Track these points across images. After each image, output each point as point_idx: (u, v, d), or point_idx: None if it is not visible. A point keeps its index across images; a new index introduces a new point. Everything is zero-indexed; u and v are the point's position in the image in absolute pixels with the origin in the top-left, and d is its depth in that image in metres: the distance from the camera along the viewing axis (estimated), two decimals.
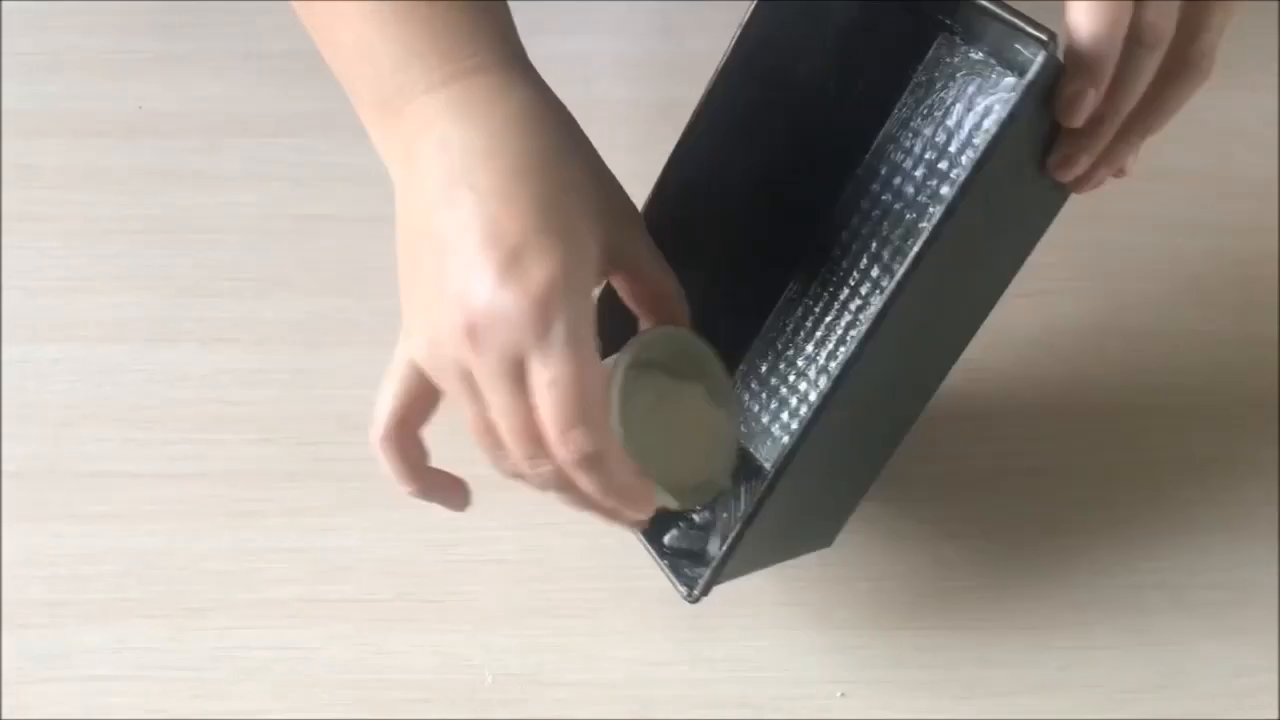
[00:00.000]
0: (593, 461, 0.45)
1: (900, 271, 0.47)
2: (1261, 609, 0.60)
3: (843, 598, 0.60)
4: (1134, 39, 0.44)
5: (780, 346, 0.60)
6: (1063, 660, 0.58)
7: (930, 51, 0.57)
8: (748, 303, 0.61)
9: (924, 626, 0.59)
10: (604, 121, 0.81)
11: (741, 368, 0.61)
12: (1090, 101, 0.45)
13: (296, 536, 0.62)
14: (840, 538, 0.62)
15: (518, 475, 0.49)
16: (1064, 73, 0.45)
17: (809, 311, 0.60)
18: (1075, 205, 0.65)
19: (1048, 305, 0.69)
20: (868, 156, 0.59)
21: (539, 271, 0.44)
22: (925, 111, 0.57)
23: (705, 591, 0.53)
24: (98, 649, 0.59)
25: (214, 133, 0.79)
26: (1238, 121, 0.78)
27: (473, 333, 0.45)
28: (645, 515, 0.50)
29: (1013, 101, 0.45)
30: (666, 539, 0.56)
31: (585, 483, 0.47)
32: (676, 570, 0.54)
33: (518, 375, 0.45)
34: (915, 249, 0.47)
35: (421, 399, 0.50)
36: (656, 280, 0.52)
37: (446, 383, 0.48)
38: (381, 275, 0.71)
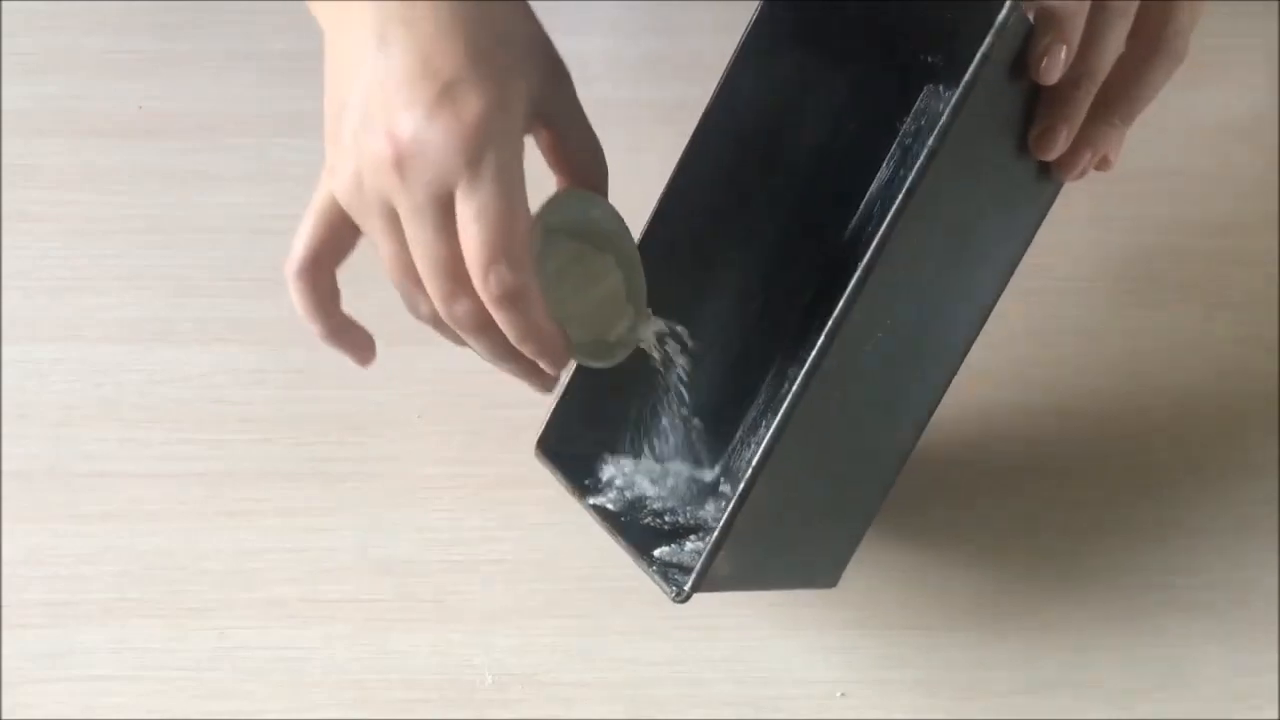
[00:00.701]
0: (513, 299, 0.46)
1: (878, 236, 0.47)
2: (1261, 609, 0.60)
3: (843, 598, 0.60)
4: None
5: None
6: (1063, 660, 0.58)
7: (918, 102, 0.57)
8: (745, 363, 0.61)
9: (924, 626, 0.59)
10: (603, 121, 0.81)
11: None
12: (1062, 57, 0.46)
13: (296, 536, 0.62)
14: None
15: (433, 321, 0.49)
16: (1034, 30, 0.46)
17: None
18: (1076, 206, 0.65)
19: (1048, 305, 0.69)
20: (859, 212, 0.60)
21: (472, 105, 0.44)
22: (913, 161, 0.57)
23: (693, 589, 0.51)
24: (98, 649, 0.59)
25: (214, 133, 0.79)
26: (1238, 121, 0.78)
27: (400, 164, 0.45)
28: (558, 367, 0.50)
29: (986, 45, 0.45)
30: (657, 552, 0.55)
31: (504, 323, 0.47)
32: (665, 575, 0.53)
33: (443, 209, 0.45)
34: (892, 210, 0.46)
35: (340, 237, 0.50)
36: (580, 139, 0.52)
37: (367, 220, 0.48)
38: (381, 275, 0.72)
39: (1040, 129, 0.49)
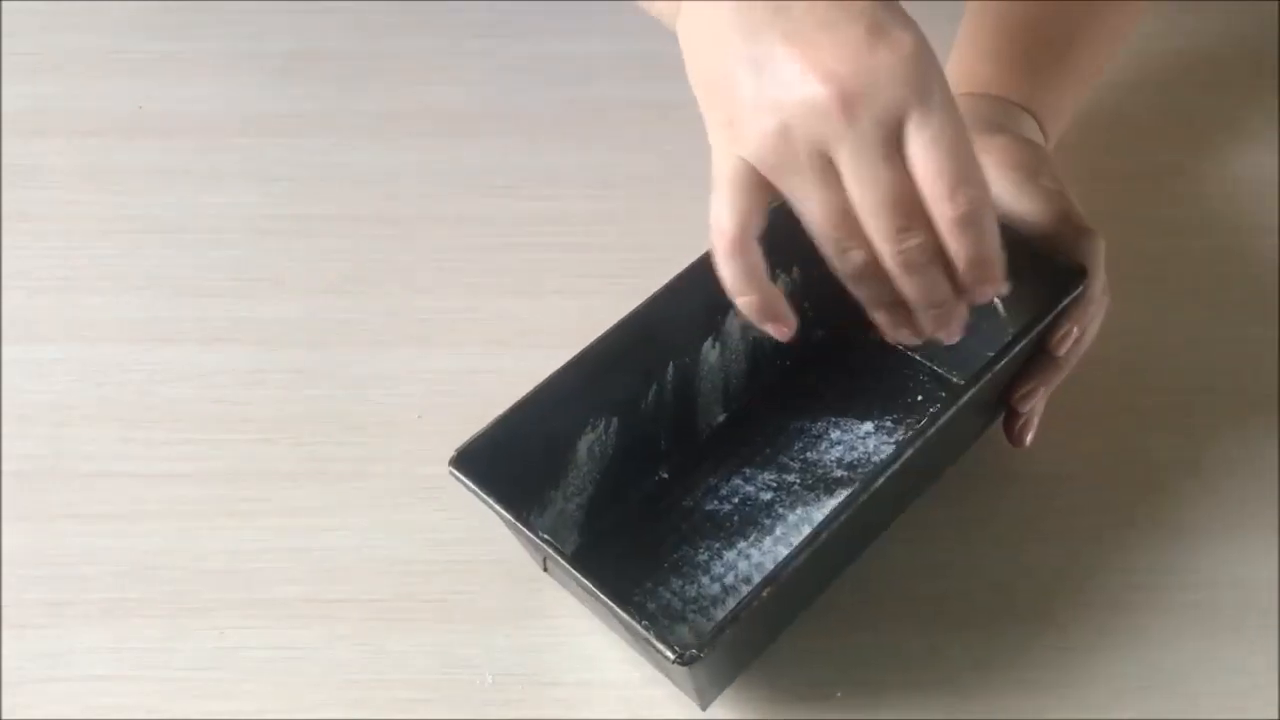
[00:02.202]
0: (979, 217, 0.46)
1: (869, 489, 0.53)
2: (1261, 609, 0.60)
3: (842, 598, 0.60)
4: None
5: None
6: (1063, 660, 0.58)
7: None
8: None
9: (924, 626, 0.59)
10: (604, 122, 0.82)
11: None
12: (1074, 337, 0.58)
13: (296, 536, 0.62)
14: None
15: (865, 270, 0.49)
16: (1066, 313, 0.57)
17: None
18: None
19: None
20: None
21: (904, 37, 0.45)
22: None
23: (698, 655, 0.49)
24: (98, 649, 0.59)
25: (214, 133, 0.79)
26: (1238, 122, 0.78)
27: (847, 102, 0.45)
28: (997, 291, 0.50)
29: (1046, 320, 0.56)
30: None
31: (966, 245, 0.47)
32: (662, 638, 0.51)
33: (893, 141, 0.45)
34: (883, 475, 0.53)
35: (761, 202, 0.49)
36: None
37: (794, 175, 0.47)
38: (382, 275, 0.72)
39: (1028, 389, 0.59)
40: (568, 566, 0.52)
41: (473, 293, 0.71)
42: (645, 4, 0.53)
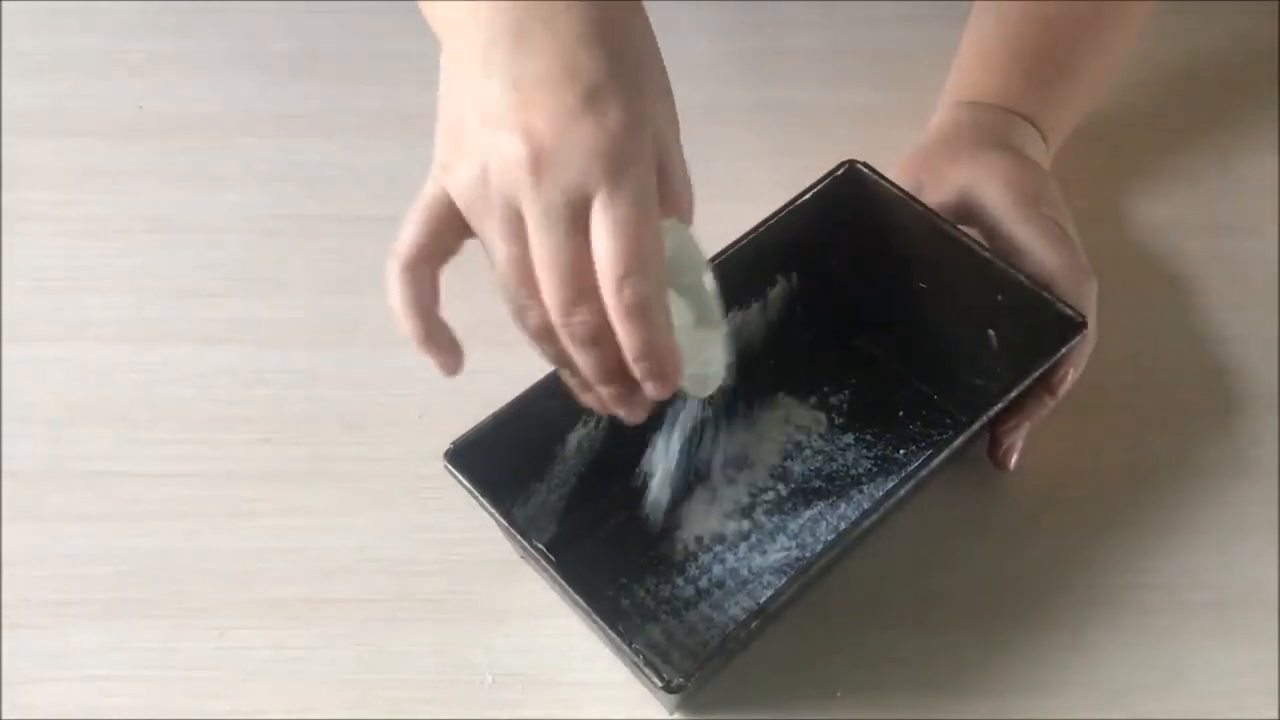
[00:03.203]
0: (644, 311, 0.44)
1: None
2: (1261, 609, 0.60)
3: (843, 598, 0.60)
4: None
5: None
6: (1062, 660, 0.58)
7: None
8: None
9: (924, 626, 0.59)
10: None
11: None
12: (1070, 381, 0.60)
13: (296, 536, 0.62)
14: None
15: (540, 333, 0.48)
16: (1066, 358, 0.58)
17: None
18: (1076, 206, 0.65)
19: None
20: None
21: (616, 113, 0.44)
22: None
23: (684, 685, 0.51)
24: (98, 649, 0.59)
25: (214, 133, 0.79)
26: (1238, 121, 0.78)
27: (538, 164, 0.44)
28: (667, 390, 0.47)
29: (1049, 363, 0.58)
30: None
31: (629, 335, 0.45)
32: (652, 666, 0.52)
33: (576, 215, 0.44)
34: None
35: (447, 236, 0.49)
36: (678, 167, 0.50)
37: (486, 220, 0.47)
38: (382, 275, 0.72)
39: (1015, 422, 0.61)
40: (548, 568, 0.53)
41: (472, 293, 0.71)
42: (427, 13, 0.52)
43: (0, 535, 0.62)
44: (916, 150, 0.67)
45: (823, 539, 0.61)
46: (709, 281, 0.52)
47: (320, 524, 0.63)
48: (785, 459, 0.64)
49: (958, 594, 0.60)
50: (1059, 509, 0.63)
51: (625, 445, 0.60)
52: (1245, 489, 0.63)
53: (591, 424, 0.59)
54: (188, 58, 0.83)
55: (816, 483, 0.63)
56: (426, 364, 0.68)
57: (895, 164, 0.65)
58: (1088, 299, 0.60)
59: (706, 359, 0.52)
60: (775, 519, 0.62)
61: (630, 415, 0.50)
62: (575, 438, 0.59)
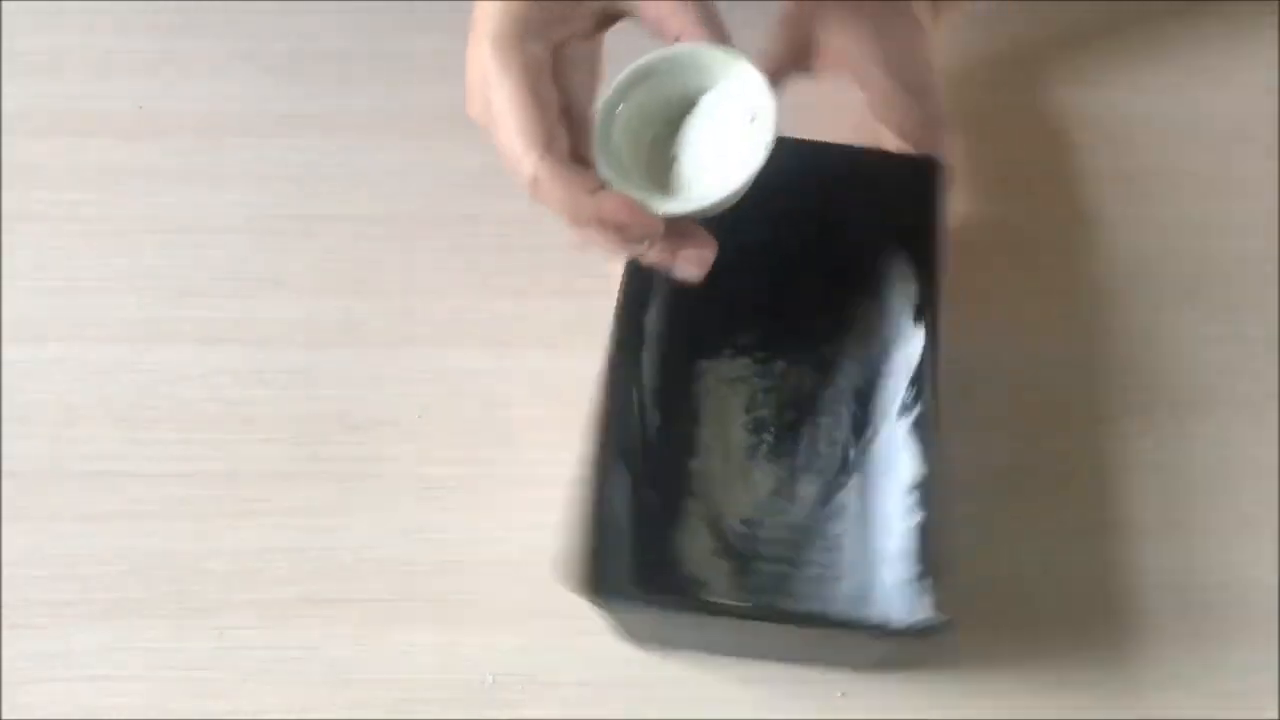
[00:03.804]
0: (535, 186, 0.51)
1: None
2: (1261, 609, 0.60)
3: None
4: None
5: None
6: (1062, 660, 0.58)
7: None
8: None
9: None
10: None
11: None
12: None
13: (296, 536, 0.62)
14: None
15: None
16: None
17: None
18: (1077, 208, 0.65)
19: (1048, 305, 0.69)
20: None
21: (483, 34, 0.52)
22: None
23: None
24: (98, 649, 0.59)
25: (214, 133, 0.79)
26: (1238, 121, 0.78)
27: (467, 91, 0.53)
28: (633, 229, 0.52)
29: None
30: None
31: (547, 207, 0.52)
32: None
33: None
34: None
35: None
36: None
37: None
38: (382, 275, 0.72)
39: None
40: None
41: (473, 293, 0.71)
42: None
43: (0, 535, 0.62)
44: None
45: (833, 455, 0.63)
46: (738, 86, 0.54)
47: (320, 524, 0.63)
48: (748, 411, 0.65)
49: (958, 594, 0.60)
50: (1058, 508, 0.63)
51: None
52: (1245, 489, 0.63)
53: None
54: (188, 58, 0.82)
55: (789, 415, 0.64)
56: (426, 364, 0.68)
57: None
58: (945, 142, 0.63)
59: (699, 181, 0.54)
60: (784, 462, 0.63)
61: (683, 272, 0.54)
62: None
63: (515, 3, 0.52)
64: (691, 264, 0.54)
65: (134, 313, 0.71)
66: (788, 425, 0.64)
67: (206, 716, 0.57)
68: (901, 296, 0.63)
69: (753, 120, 0.53)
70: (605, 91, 0.54)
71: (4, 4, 0.85)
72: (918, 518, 0.54)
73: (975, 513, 0.63)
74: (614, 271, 0.58)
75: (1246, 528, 0.62)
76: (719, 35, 0.54)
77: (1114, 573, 0.61)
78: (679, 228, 0.53)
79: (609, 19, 0.56)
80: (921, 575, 0.53)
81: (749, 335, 0.67)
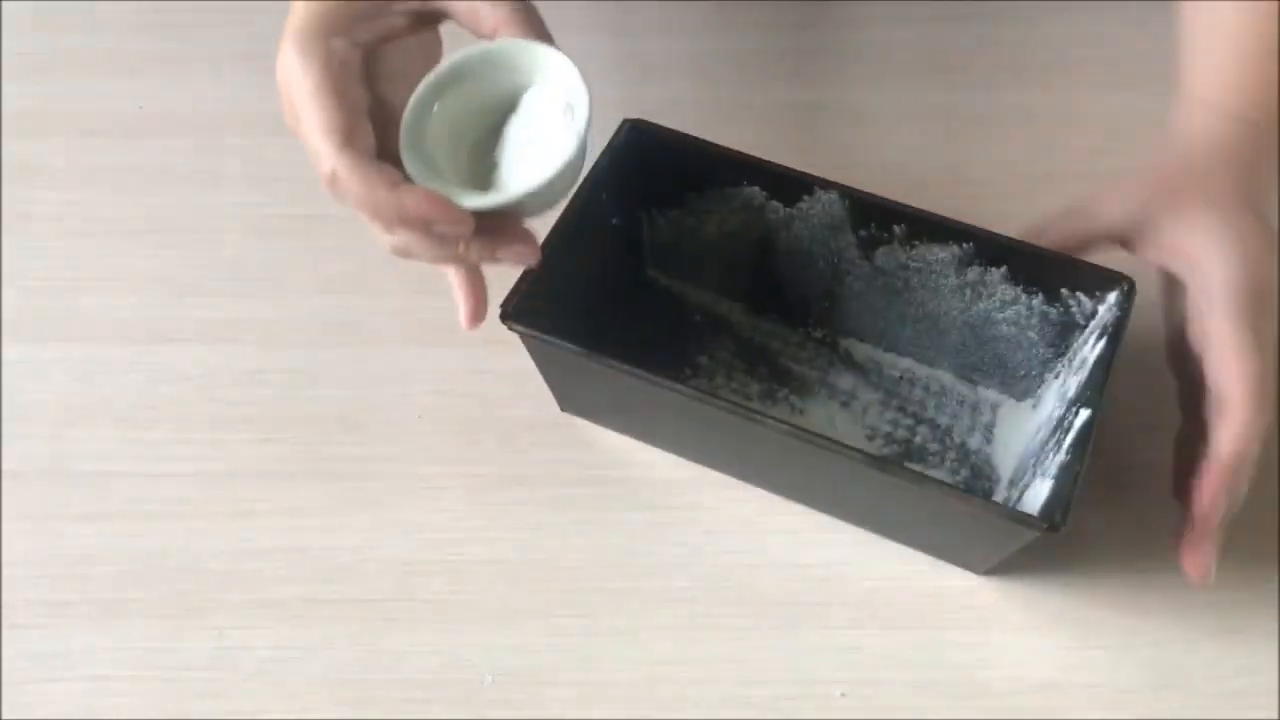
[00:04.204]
0: (332, 182, 0.50)
1: None
2: (1261, 609, 0.60)
3: (843, 598, 0.60)
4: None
5: None
6: (1063, 660, 0.58)
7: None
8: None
9: (924, 626, 0.59)
10: (604, 122, 0.81)
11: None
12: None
13: (296, 536, 0.62)
14: (840, 537, 0.62)
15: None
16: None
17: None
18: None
19: None
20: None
21: (287, 32, 0.52)
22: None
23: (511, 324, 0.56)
24: (98, 649, 0.59)
25: (214, 133, 0.79)
26: None
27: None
28: (439, 224, 0.50)
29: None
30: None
31: (350, 203, 0.51)
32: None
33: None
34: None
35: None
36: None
37: None
38: (382, 275, 0.72)
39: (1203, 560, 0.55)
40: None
41: None
42: None
43: (0, 535, 0.62)
44: (1156, 165, 0.58)
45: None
46: (530, 100, 0.54)
47: (320, 524, 0.63)
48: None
49: (958, 594, 0.60)
50: None
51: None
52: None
53: None
54: (188, 58, 0.83)
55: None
56: (426, 364, 0.68)
57: (1128, 177, 0.59)
58: (1259, 424, 0.53)
59: (513, 176, 0.53)
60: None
61: (513, 259, 0.53)
62: None
63: (318, 1, 0.52)
64: (513, 262, 0.53)
65: (134, 313, 0.71)
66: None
67: (206, 716, 0.57)
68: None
69: (568, 112, 0.52)
70: (416, 91, 0.53)
71: (4, 4, 0.85)
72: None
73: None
74: (453, 282, 0.56)
75: (1247, 527, 0.62)
76: (536, 32, 0.53)
77: (1113, 572, 0.61)
78: (494, 225, 0.52)
79: (424, 18, 0.54)
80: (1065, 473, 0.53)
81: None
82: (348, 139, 0.50)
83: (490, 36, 0.53)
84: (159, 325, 0.70)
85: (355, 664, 0.59)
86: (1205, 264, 0.54)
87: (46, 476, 0.65)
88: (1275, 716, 0.57)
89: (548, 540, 0.62)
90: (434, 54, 0.55)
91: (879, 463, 0.54)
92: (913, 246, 0.61)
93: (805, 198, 0.62)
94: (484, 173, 0.54)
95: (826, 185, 0.61)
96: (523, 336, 0.58)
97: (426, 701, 0.58)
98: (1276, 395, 0.53)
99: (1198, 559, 0.55)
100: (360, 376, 0.68)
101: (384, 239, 0.53)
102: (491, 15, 0.53)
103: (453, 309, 0.56)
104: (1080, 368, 0.59)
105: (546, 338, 0.56)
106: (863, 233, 0.62)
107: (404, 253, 0.53)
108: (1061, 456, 0.55)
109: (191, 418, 0.67)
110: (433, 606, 0.60)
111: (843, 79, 0.80)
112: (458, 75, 0.53)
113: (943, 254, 0.61)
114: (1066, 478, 0.53)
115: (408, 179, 0.51)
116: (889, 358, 0.66)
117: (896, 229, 0.61)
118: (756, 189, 0.62)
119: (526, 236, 0.53)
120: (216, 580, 0.61)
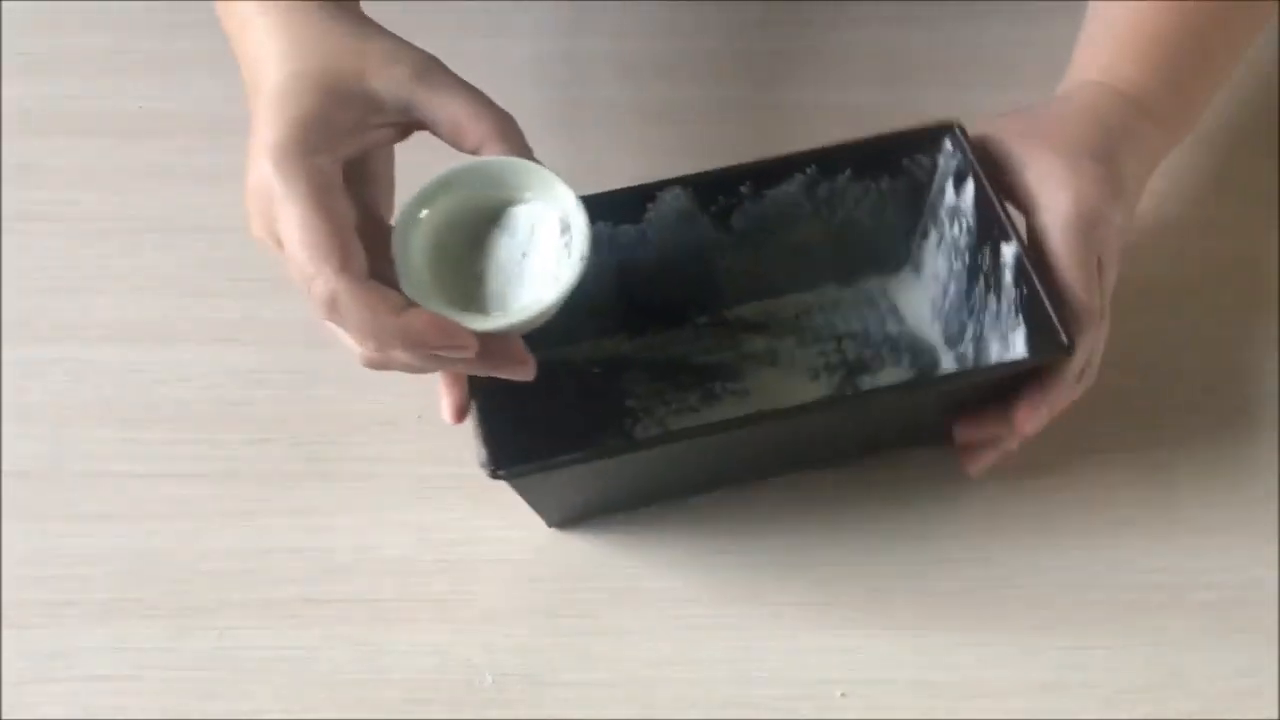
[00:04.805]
0: (331, 307, 0.49)
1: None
2: (1261, 609, 0.60)
3: (843, 598, 0.60)
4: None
5: None
6: (1062, 660, 0.58)
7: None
8: None
9: (924, 626, 0.59)
10: (604, 122, 0.82)
11: None
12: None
13: (296, 536, 0.62)
14: (840, 537, 0.62)
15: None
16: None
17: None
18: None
19: None
20: None
21: (262, 146, 0.50)
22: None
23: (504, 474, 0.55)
24: (98, 649, 0.59)
25: (214, 133, 0.79)
26: (1238, 121, 0.78)
27: (247, 208, 0.51)
28: (444, 349, 0.50)
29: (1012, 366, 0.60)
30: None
31: (343, 329, 0.50)
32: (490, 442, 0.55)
33: (275, 242, 0.51)
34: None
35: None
36: (454, 107, 0.53)
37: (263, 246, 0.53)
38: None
39: (972, 432, 0.61)
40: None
41: None
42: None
43: (0, 535, 0.62)
44: (1029, 110, 0.64)
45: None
46: (521, 214, 0.54)
47: (320, 524, 0.63)
48: None
49: (958, 594, 0.60)
50: (1060, 509, 0.63)
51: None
52: (1245, 489, 0.63)
53: None
54: (188, 58, 0.82)
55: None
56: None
57: (1001, 115, 0.64)
58: (1085, 338, 0.58)
59: (514, 297, 0.53)
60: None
61: (511, 377, 0.53)
62: None
63: (298, 113, 0.50)
64: (511, 377, 0.53)
65: (134, 313, 0.71)
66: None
67: (206, 716, 0.57)
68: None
69: (564, 234, 0.52)
70: (404, 204, 0.52)
71: (4, 4, 0.85)
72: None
73: (974, 513, 0.63)
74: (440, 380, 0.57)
75: (1246, 528, 0.62)
76: (518, 148, 0.53)
77: (1113, 572, 0.61)
78: (493, 344, 0.51)
79: (404, 130, 0.54)
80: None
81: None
82: (344, 263, 0.48)
83: (473, 152, 0.53)
84: (159, 325, 0.70)
85: (355, 664, 0.59)
86: (1041, 198, 0.59)
87: (46, 476, 0.65)
88: (1275, 717, 0.57)
89: (548, 540, 0.62)
90: (393, 161, 0.56)
91: (875, 394, 0.61)
92: (761, 196, 0.63)
93: (649, 206, 0.62)
94: (467, 285, 0.53)
95: (663, 186, 0.62)
96: (520, 483, 0.57)
97: (426, 701, 0.58)
98: (1098, 313, 0.58)
99: (983, 464, 0.62)
100: (360, 376, 0.68)
101: (357, 350, 0.52)
102: (475, 130, 0.52)
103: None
104: (955, 216, 0.63)
105: (550, 462, 0.55)
106: (713, 208, 0.63)
107: (381, 365, 0.52)
108: (1012, 294, 0.59)
109: (191, 418, 0.67)
110: (433, 606, 0.60)
111: (843, 79, 0.80)
112: (444, 187, 0.53)
113: (790, 188, 0.63)
114: (1037, 306, 0.57)
115: (403, 297, 0.50)
116: (777, 304, 0.67)
117: (742, 188, 0.62)
118: (600, 224, 0.58)
119: (525, 357, 0.53)
120: (216, 580, 0.61)
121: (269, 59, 0.53)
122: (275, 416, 0.66)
